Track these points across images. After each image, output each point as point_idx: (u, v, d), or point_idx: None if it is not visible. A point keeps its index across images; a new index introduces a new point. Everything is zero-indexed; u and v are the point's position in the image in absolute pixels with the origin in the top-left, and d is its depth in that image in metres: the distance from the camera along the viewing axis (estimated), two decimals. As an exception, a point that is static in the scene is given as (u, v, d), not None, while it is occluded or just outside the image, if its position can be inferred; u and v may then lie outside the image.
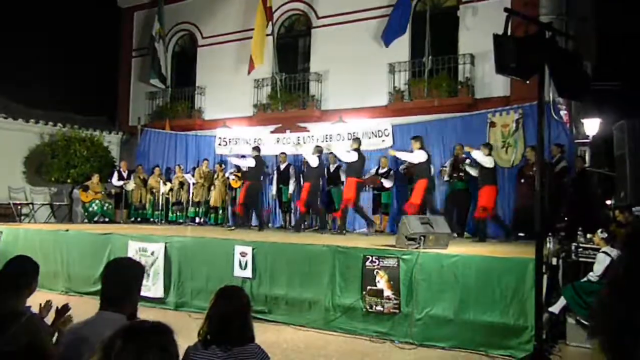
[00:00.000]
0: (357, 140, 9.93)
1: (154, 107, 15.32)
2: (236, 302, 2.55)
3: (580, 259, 6.74)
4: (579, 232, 7.03)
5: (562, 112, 9.57)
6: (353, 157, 9.57)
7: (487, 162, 8.68)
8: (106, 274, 2.58)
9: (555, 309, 6.05)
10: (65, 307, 3.28)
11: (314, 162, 10.07)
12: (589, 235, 6.88)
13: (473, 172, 9.13)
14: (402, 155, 9.54)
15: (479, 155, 8.72)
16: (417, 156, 9.14)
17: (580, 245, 6.83)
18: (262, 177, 10.97)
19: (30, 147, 13.83)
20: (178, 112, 14.66)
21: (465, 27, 11.26)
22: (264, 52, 12.83)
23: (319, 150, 10.32)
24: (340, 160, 10.38)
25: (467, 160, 9.38)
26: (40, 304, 3.22)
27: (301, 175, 11.22)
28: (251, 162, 10.53)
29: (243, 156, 11.33)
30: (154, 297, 7.71)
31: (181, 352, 2.55)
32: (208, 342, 2.46)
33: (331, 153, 10.98)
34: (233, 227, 10.36)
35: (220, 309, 2.51)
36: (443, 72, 11.20)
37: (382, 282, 6.21)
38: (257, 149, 10.83)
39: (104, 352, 1.46)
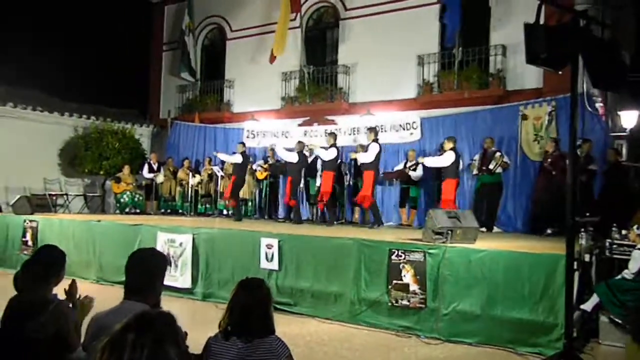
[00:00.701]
0: (333, 135, 10.12)
1: (184, 101, 15.52)
2: (257, 293, 2.55)
3: (615, 256, 6.52)
4: (613, 228, 6.79)
5: (598, 105, 9.27)
6: (332, 154, 9.70)
7: (443, 161, 8.92)
8: (130, 264, 2.61)
9: (587, 306, 5.88)
10: (72, 285, 3.27)
11: (293, 158, 10.17)
12: (624, 232, 6.64)
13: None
14: (360, 157, 9.57)
15: (432, 161, 9.16)
16: (371, 153, 9.25)
17: (615, 241, 6.60)
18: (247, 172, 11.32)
19: (64, 139, 14.19)
20: (207, 105, 14.81)
21: (497, 18, 10.99)
22: (285, 42, 12.80)
23: (300, 146, 10.48)
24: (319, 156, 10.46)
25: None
26: (65, 289, 3.28)
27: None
28: (238, 159, 10.74)
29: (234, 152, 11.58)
30: (182, 287, 7.84)
31: (203, 342, 2.58)
32: (229, 333, 2.47)
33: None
34: (239, 219, 10.61)
35: (241, 300, 2.51)
36: (473, 63, 10.96)
37: (408, 276, 6.15)
38: (243, 144, 11.13)
39: (113, 347, 1.36)
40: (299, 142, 10.79)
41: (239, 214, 10.80)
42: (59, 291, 3.19)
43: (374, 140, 9.28)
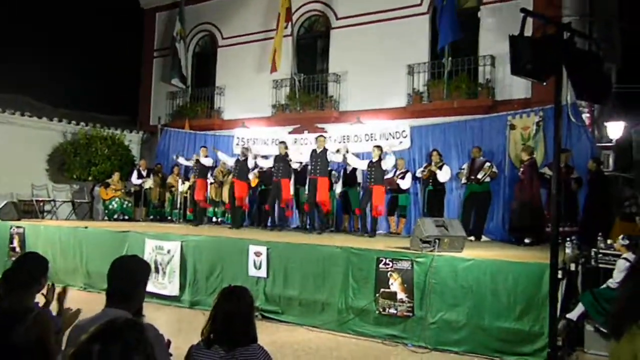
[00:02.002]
0: (283, 143, 10.67)
1: (174, 107, 15.47)
2: (240, 302, 2.54)
3: (600, 265, 6.59)
4: (599, 238, 6.86)
5: (584, 115, 9.37)
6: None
7: (363, 164, 9.64)
8: (112, 271, 2.59)
9: (573, 315, 5.94)
10: (63, 292, 3.28)
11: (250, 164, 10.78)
12: (609, 241, 6.72)
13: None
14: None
15: (354, 161, 9.87)
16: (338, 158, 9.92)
17: (600, 251, 6.67)
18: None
19: (53, 145, 14.06)
20: (198, 112, 14.77)
21: (486, 28, 11.10)
22: (281, 55, 12.83)
23: (245, 152, 10.92)
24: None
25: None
26: (59, 292, 3.27)
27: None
28: (210, 162, 11.67)
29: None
30: (170, 295, 7.80)
31: (185, 351, 2.57)
32: (211, 341, 2.46)
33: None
34: (197, 224, 11.11)
35: (223, 308, 2.50)
36: (463, 73, 11.04)
37: (395, 284, 6.17)
38: (206, 148, 11.89)
39: (78, 359, 1.31)
40: (244, 148, 11.23)
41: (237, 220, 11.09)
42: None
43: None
